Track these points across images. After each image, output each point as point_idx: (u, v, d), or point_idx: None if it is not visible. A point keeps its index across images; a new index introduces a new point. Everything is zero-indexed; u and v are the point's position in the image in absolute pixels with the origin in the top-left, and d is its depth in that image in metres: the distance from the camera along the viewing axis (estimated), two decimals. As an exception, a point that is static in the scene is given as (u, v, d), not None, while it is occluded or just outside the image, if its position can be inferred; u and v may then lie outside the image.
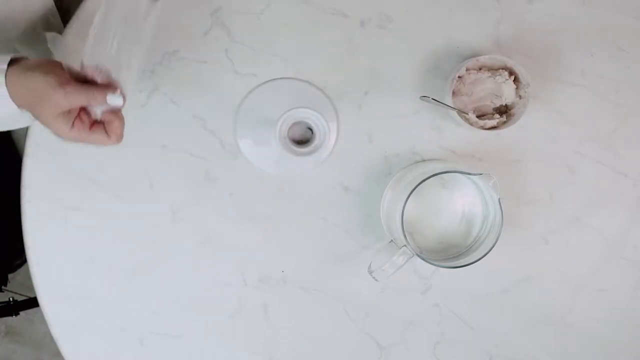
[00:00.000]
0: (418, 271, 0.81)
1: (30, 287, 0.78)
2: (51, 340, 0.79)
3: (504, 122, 0.77)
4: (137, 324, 0.80)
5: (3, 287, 1.18)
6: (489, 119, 0.77)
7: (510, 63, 0.76)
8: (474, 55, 0.78)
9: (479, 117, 0.77)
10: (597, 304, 0.83)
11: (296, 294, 0.80)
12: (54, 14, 0.89)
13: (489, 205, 0.77)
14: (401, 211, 0.71)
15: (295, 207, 0.80)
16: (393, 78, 0.80)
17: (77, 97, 0.60)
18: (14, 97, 0.62)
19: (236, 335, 0.81)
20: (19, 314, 1.26)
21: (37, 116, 0.63)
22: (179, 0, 0.78)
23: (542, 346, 0.83)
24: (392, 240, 0.75)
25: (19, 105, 0.63)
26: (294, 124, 0.71)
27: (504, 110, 0.79)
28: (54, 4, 0.88)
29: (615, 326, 0.83)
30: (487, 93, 0.78)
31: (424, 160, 0.80)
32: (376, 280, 0.73)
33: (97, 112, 0.62)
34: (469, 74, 0.77)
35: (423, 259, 0.72)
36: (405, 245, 0.71)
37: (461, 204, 0.80)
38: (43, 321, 0.79)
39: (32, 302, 1.25)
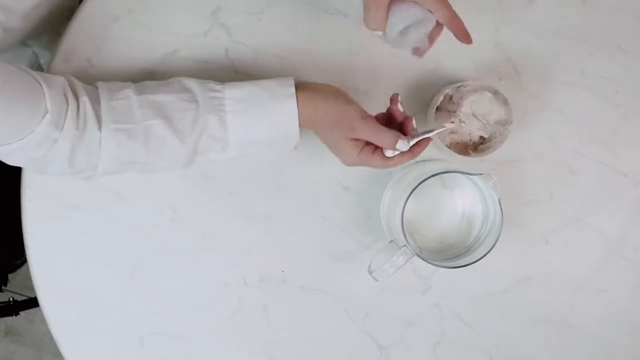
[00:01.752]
0: (418, 271, 0.81)
1: (30, 287, 0.78)
2: (51, 340, 0.79)
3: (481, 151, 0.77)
4: (137, 324, 0.80)
5: (3, 287, 1.18)
6: (470, 149, 0.77)
7: (501, 92, 0.76)
8: (474, 55, 0.78)
9: (458, 146, 0.77)
10: (597, 304, 0.83)
11: (296, 294, 0.80)
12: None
13: (489, 205, 0.77)
14: (401, 211, 0.71)
15: (295, 207, 0.80)
16: (393, 78, 0.80)
17: (371, 134, 0.68)
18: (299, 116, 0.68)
19: (236, 335, 0.81)
20: (19, 314, 1.26)
21: (325, 137, 0.71)
22: (179, 0, 0.78)
23: (542, 346, 0.83)
24: (392, 240, 0.75)
25: (301, 125, 0.69)
26: None
27: (480, 142, 0.78)
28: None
29: (616, 326, 0.83)
30: (471, 112, 0.77)
31: (424, 160, 0.80)
32: (376, 280, 0.73)
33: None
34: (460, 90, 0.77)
35: (423, 259, 0.72)
36: (405, 245, 0.71)
37: (461, 204, 0.80)
38: (43, 321, 0.79)
39: (32, 302, 1.25)
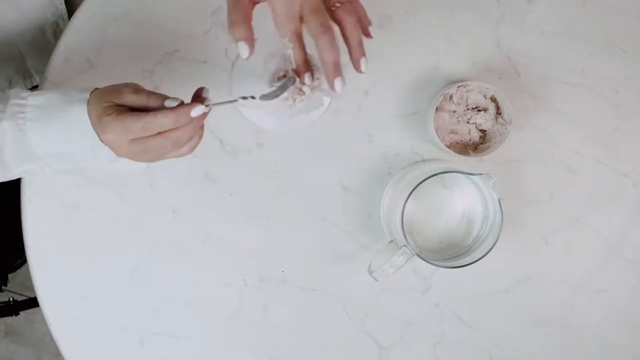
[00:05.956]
0: (418, 271, 0.81)
1: (30, 287, 0.78)
2: (51, 340, 0.79)
3: (481, 151, 0.78)
4: (137, 324, 0.80)
5: (3, 287, 1.18)
6: (470, 149, 0.78)
7: (499, 98, 0.76)
8: (474, 55, 0.78)
9: (458, 146, 0.78)
10: (597, 304, 0.83)
11: (296, 294, 0.80)
12: (65, 19, 0.89)
13: (489, 205, 0.77)
14: (401, 211, 0.71)
15: (295, 207, 0.80)
16: (393, 78, 0.80)
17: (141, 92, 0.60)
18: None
19: (236, 335, 0.81)
20: (19, 314, 1.26)
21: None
22: (179, 0, 0.78)
23: (542, 346, 0.83)
24: (392, 240, 0.75)
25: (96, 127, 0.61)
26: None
27: (480, 142, 0.79)
28: (65, 10, 0.88)
29: (615, 326, 0.83)
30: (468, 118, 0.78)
31: (424, 160, 0.80)
32: (376, 280, 0.73)
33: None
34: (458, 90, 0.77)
35: (423, 259, 0.72)
36: (405, 245, 0.71)
37: (461, 204, 0.80)
38: (43, 321, 0.79)
39: (32, 302, 1.25)
